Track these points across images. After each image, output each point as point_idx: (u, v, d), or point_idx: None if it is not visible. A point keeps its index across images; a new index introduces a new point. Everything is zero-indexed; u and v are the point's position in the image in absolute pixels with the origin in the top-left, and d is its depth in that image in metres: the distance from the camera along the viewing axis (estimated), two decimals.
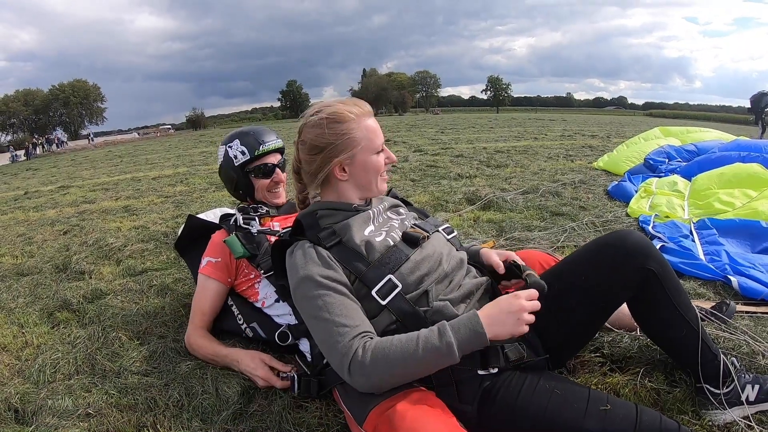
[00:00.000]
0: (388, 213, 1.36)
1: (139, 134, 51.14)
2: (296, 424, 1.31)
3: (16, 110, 59.24)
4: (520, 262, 1.30)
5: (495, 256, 1.33)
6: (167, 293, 2.30)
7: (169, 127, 70.86)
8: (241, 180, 1.82)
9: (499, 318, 1.06)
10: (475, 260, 1.38)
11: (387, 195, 1.46)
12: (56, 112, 63.67)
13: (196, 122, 68.37)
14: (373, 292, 1.15)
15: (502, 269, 1.29)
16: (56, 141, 33.74)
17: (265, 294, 1.68)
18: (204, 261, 1.71)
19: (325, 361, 1.28)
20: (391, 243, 1.23)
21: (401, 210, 1.40)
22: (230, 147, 1.83)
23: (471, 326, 1.05)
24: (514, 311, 1.06)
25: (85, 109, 65.44)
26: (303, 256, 1.18)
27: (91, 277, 2.64)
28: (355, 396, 1.12)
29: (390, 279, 1.16)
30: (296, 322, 1.57)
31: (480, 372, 1.11)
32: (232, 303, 1.74)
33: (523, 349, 1.14)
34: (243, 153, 1.80)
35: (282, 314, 1.63)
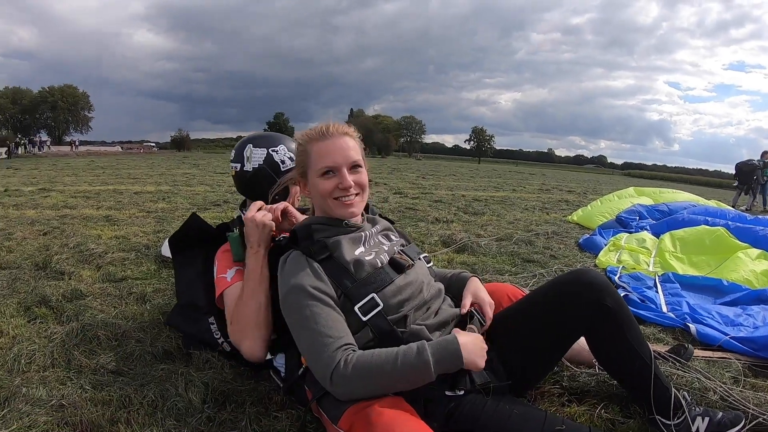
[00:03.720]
0: (380, 236, 1.44)
1: (122, 148, 51.00)
2: (268, 431, 1.35)
3: (3, 107, 58.57)
4: (485, 314, 1.37)
5: (468, 298, 1.40)
6: (147, 301, 2.32)
7: (153, 145, 70.61)
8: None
9: (474, 349, 1.16)
10: (458, 288, 1.46)
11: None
12: (42, 115, 63.01)
13: (180, 143, 67.93)
14: (356, 308, 1.22)
15: (465, 310, 1.36)
16: (39, 143, 33.30)
17: None
18: (228, 274, 1.62)
19: (300, 371, 1.32)
20: (379, 264, 1.31)
21: (392, 236, 1.48)
22: (275, 151, 1.78)
23: (450, 348, 1.13)
24: (483, 347, 1.19)
25: (72, 115, 65.01)
26: (296, 265, 1.26)
27: (70, 278, 2.64)
28: (331, 397, 1.16)
29: (373, 297, 1.23)
30: (274, 337, 1.57)
31: (448, 393, 1.18)
32: (212, 318, 1.75)
33: (488, 375, 1.23)
34: (291, 159, 1.75)
35: None
